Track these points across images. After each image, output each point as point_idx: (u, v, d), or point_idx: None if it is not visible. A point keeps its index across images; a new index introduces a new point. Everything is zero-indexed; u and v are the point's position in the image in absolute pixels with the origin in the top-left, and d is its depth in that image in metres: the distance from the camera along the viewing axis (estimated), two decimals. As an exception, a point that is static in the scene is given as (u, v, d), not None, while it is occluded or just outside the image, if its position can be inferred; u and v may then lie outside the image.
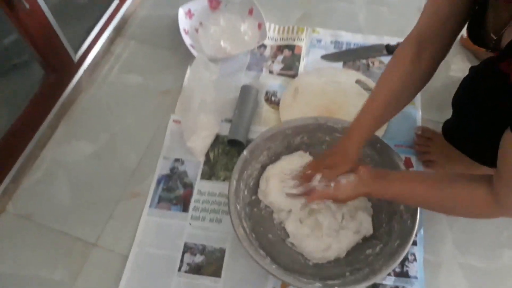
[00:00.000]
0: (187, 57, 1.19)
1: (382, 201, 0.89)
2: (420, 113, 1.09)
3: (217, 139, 1.05)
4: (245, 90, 1.09)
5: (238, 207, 0.84)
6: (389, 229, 0.86)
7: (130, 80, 1.17)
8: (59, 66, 1.06)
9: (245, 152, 0.89)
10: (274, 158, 0.95)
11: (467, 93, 0.83)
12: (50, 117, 1.06)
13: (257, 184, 0.94)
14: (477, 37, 0.77)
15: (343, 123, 0.92)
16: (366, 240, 0.88)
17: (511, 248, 0.92)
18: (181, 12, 1.23)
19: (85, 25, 1.15)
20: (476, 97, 0.79)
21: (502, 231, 0.94)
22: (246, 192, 0.91)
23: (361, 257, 0.85)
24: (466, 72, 1.15)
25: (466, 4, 0.75)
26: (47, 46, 1.00)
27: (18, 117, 0.97)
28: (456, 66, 1.19)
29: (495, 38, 0.71)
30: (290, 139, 0.95)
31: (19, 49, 1.03)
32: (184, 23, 1.22)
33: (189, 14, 1.25)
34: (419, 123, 1.08)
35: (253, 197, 0.93)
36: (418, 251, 0.91)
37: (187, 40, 1.18)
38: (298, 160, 0.93)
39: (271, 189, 0.90)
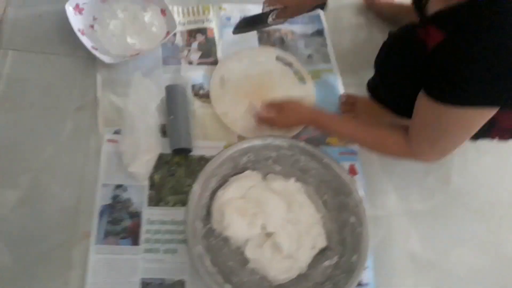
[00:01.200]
0: (92, 62, 1.05)
1: (331, 210, 0.94)
2: (340, 78, 1.16)
3: (160, 159, 0.97)
4: (172, 91, 1.02)
5: (200, 247, 0.81)
6: (341, 239, 0.90)
7: (31, 101, 1.00)
8: None
9: (195, 187, 0.83)
10: (222, 181, 0.93)
11: (387, 57, 0.91)
12: None
13: (208, 213, 0.91)
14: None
15: (291, 142, 0.93)
16: (321, 251, 0.91)
17: (440, 191, 1.09)
18: (69, 9, 1.05)
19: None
20: (395, 60, 0.88)
21: (430, 174, 1.10)
22: (200, 224, 0.87)
23: (320, 270, 0.88)
24: (372, 33, 1.25)
25: None
26: None
27: None
28: (360, 27, 1.26)
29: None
30: (237, 160, 0.92)
31: None
32: (76, 21, 1.05)
33: (78, 9, 1.07)
34: (341, 88, 1.15)
35: (207, 226, 0.90)
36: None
37: (86, 42, 1.03)
38: (247, 181, 0.92)
39: (229, 223, 0.87)
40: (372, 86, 1.03)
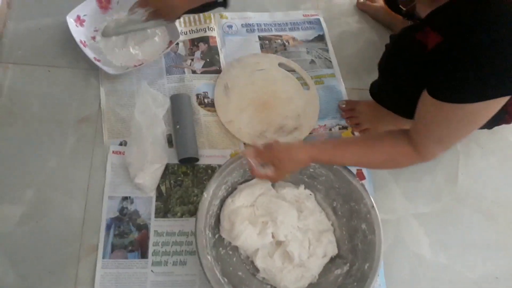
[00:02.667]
0: (94, 73, 1.04)
1: (341, 217, 0.93)
2: (343, 84, 1.16)
3: (167, 169, 0.96)
4: (177, 100, 1.02)
5: (209, 257, 0.79)
6: (352, 247, 0.89)
7: (34, 114, 0.99)
8: None
9: (205, 195, 0.82)
10: (231, 189, 0.91)
11: (390, 60, 0.91)
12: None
13: (218, 221, 0.89)
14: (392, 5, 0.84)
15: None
16: (332, 260, 0.90)
17: (447, 192, 1.08)
18: (71, 21, 1.04)
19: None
20: (398, 63, 0.88)
21: (436, 175, 1.10)
22: (210, 234, 0.85)
23: (331, 279, 0.87)
24: (373, 37, 1.25)
25: None
26: None
27: None
28: (360, 31, 1.26)
29: (404, 9, 0.80)
30: (246, 168, 0.90)
31: None
32: (77, 33, 1.04)
33: (79, 21, 1.07)
34: (345, 94, 1.15)
35: (216, 236, 0.89)
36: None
37: (88, 53, 1.02)
38: (256, 189, 0.91)
39: (239, 232, 0.85)
40: (375, 89, 1.03)
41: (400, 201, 1.05)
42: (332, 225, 0.93)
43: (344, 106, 1.11)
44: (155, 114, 0.92)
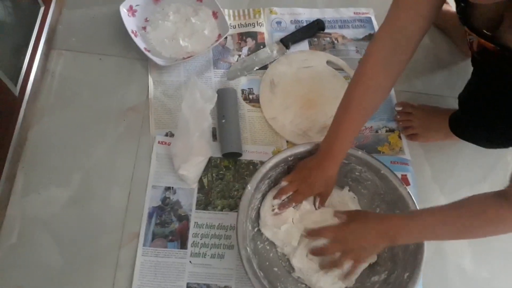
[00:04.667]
0: (144, 63, 1.06)
1: None
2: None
3: (210, 162, 0.96)
4: (224, 95, 1.01)
5: (248, 249, 0.79)
6: (392, 255, 0.86)
7: (84, 101, 1.01)
8: (2, 107, 0.87)
9: (249, 187, 0.82)
10: (274, 184, 0.90)
11: (475, 93, 0.86)
12: (5, 168, 0.88)
13: (258, 215, 0.89)
14: (470, 26, 0.78)
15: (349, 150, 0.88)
16: (370, 266, 0.88)
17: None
18: (123, 10, 1.06)
19: (16, 48, 0.94)
20: (484, 96, 0.82)
21: (483, 186, 1.05)
22: (249, 226, 0.85)
23: (367, 285, 0.85)
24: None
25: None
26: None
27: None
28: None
29: (490, 34, 0.73)
30: (289, 164, 0.89)
31: None
32: (129, 24, 1.06)
33: (131, 11, 1.08)
34: (393, 96, 1.11)
35: (255, 229, 0.88)
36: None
37: (139, 43, 1.04)
38: None
39: (278, 230, 0.85)
40: (456, 122, 0.96)
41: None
42: None
43: (400, 109, 1.08)
44: (202, 109, 0.92)
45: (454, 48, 1.20)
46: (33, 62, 0.98)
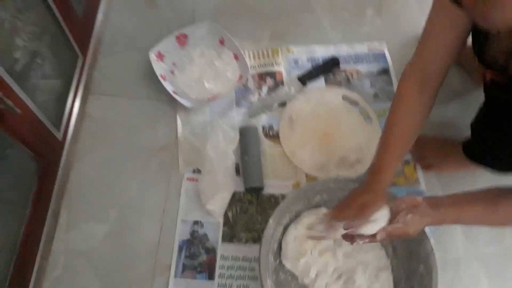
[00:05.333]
0: (172, 104, 1.15)
1: (400, 257, 0.94)
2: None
3: (234, 197, 1.04)
4: (245, 132, 1.09)
5: (269, 281, 0.85)
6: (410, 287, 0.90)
7: (119, 141, 1.11)
8: (48, 152, 0.97)
9: (271, 221, 0.88)
10: (295, 217, 0.96)
11: (487, 119, 0.90)
12: (51, 206, 0.98)
13: (280, 247, 0.95)
14: (483, 59, 0.83)
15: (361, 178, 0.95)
16: None
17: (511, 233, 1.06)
18: (152, 56, 1.16)
19: (58, 96, 1.05)
20: (496, 123, 0.86)
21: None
22: (271, 258, 0.91)
23: None
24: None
25: (467, 34, 0.82)
26: (37, 139, 0.91)
27: (26, 222, 0.89)
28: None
29: (503, 65, 0.78)
30: (310, 198, 0.96)
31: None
32: (158, 68, 1.15)
33: (160, 56, 1.18)
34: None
35: (277, 261, 0.94)
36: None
37: (168, 86, 1.13)
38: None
39: (298, 261, 0.91)
40: (470, 148, 1.00)
41: (460, 239, 1.04)
42: (391, 263, 0.95)
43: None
44: (225, 149, 1.00)
45: (467, 78, 1.24)
46: (73, 108, 1.09)
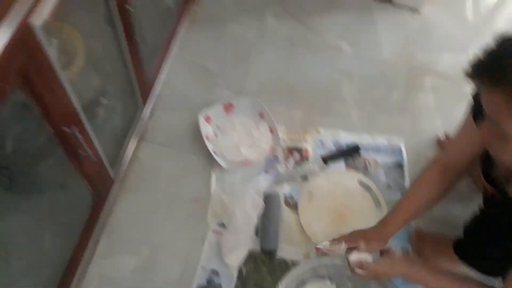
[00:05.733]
0: (210, 162, 1.32)
1: None
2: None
3: (249, 254, 1.17)
4: (269, 199, 1.25)
5: None
6: None
7: (160, 186, 1.28)
8: (102, 187, 1.14)
9: (280, 286, 1.02)
10: (300, 283, 1.10)
11: (480, 227, 1.05)
12: (94, 234, 1.13)
13: None
14: (487, 175, 0.98)
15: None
16: None
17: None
18: (201, 118, 1.35)
19: (117, 139, 1.24)
20: (488, 230, 1.00)
21: None
22: None
23: None
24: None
25: (482, 149, 0.97)
26: (97, 177, 1.08)
27: (74, 246, 1.05)
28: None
29: (503, 185, 0.93)
30: (316, 269, 1.10)
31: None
32: (204, 129, 1.34)
33: (207, 119, 1.37)
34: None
35: None
36: None
37: (209, 146, 1.31)
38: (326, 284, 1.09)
39: None
40: (460, 248, 1.13)
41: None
42: None
43: (415, 237, 1.26)
44: (251, 215, 1.17)
45: (472, 184, 1.37)
46: (128, 152, 1.27)
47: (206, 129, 1.36)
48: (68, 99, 0.81)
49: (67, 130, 0.82)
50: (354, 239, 1.02)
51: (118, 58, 1.09)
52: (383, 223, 1.05)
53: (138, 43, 1.11)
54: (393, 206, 1.06)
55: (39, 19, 0.65)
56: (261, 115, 1.40)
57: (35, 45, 0.67)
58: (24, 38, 0.63)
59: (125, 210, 1.23)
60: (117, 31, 1.01)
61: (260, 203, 1.20)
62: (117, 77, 1.15)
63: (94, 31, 1.01)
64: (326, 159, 1.37)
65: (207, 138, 1.33)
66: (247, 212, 1.17)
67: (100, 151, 1.05)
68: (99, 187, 1.12)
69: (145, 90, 1.33)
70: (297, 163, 1.36)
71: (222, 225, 1.22)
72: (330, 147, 1.41)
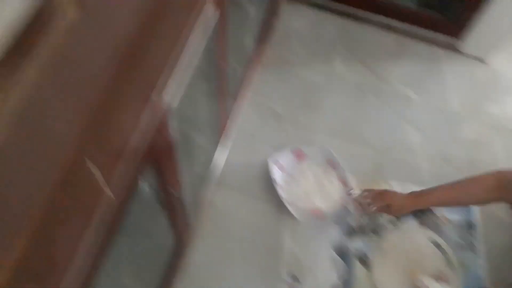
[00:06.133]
0: (281, 209, 1.33)
1: None
2: (487, 273, 1.28)
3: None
4: (345, 254, 1.24)
5: None
6: None
7: (233, 234, 1.29)
8: (183, 233, 1.17)
9: None
10: None
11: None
12: (175, 279, 1.16)
13: None
14: None
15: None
16: None
17: None
18: (271, 164, 1.36)
19: (198, 185, 1.27)
20: None
21: None
22: None
23: None
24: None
25: None
26: (182, 225, 1.10)
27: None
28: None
29: None
30: None
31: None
32: (275, 175, 1.35)
33: (278, 164, 1.38)
34: (484, 280, 1.26)
35: None
36: None
37: (281, 193, 1.32)
38: None
39: None
40: None
41: None
42: None
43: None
44: (331, 274, 1.16)
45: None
46: (205, 196, 1.29)
47: (278, 175, 1.37)
48: (177, 163, 0.84)
49: (174, 193, 0.84)
50: (383, 198, 1.20)
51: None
52: (418, 194, 1.17)
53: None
54: (437, 186, 1.15)
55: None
56: (332, 165, 1.41)
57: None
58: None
59: (200, 257, 1.25)
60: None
61: (340, 263, 1.19)
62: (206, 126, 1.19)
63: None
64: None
65: (278, 185, 1.34)
66: (325, 275, 1.18)
67: (185, 196, 1.08)
68: (181, 233, 1.14)
69: (222, 133, 1.36)
70: (369, 217, 1.35)
71: (295, 277, 1.22)
72: (401, 203, 1.40)
